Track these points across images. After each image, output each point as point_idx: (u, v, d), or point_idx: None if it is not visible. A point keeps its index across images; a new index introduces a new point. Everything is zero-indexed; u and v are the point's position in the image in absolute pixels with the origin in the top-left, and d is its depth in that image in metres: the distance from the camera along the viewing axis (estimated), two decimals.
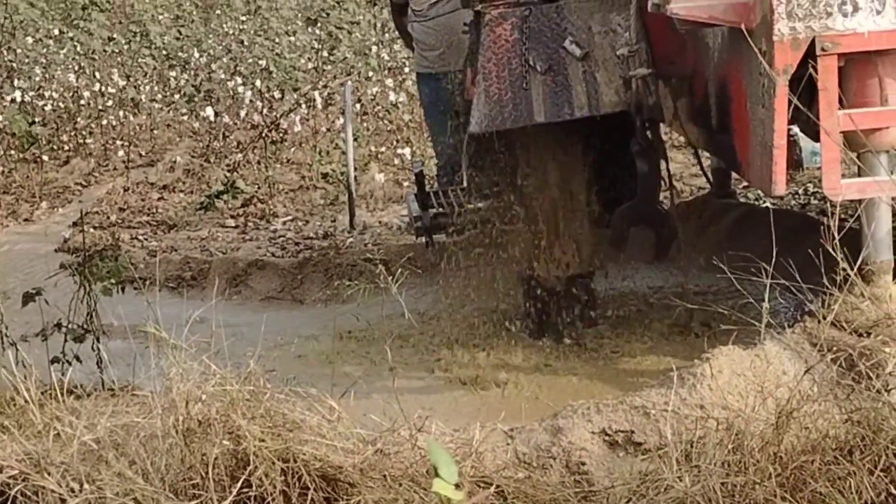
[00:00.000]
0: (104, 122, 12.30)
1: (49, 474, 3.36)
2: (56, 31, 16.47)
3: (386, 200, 9.30)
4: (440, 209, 6.73)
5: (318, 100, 12.43)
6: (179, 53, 15.54)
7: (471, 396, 5.13)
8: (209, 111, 11.99)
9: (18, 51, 14.89)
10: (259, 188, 9.85)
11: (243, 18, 17.83)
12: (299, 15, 17.55)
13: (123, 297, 5.40)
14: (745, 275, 3.97)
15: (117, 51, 15.59)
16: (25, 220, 9.53)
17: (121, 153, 11.29)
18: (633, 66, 5.02)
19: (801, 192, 7.93)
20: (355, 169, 9.02)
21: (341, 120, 10.41)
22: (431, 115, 7.87)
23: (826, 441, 3.31)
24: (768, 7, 4.06)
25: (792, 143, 5.57)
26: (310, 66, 14.40)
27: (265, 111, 12.19)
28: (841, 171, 4.21)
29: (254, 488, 3.34)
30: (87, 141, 11.81)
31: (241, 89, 12.88)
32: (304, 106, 12.24)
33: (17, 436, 3.55)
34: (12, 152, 11.16)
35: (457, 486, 2.34)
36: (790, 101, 3.98)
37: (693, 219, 6.71)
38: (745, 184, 7.20)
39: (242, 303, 6.93)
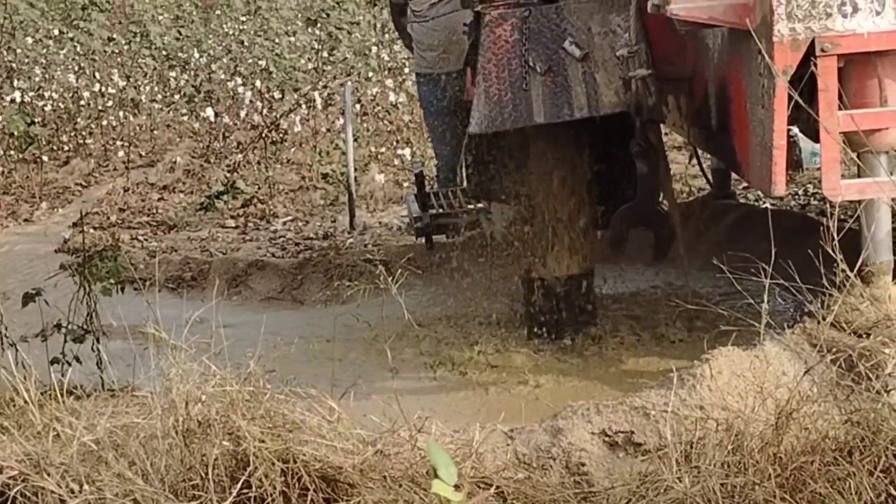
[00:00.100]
0: (104, 122, 12.31)
1: (49, 475, 3.36)
2: (56, 32, 16.47)
3: (386, 201, 9.30)
4: (440, 210, 6.74)
5: (318, 100, 12.44)
6: (179, 54, 15.54)
7: (471, 397, 5.12)
8: (209, 111, 11.99)
9: (18, 51, 14.89)
10: (259, 189, 9.85)
11: (243, 19, 17.83)
12: (299, 15, 17.55)
13: (123, 297, 5.40)
14: (744, 275, 3.97)
15: (117, 51, 15.59)
16: (25, 220, 9.53)
17: (121, 154, 11.30)
18: (633, 67, 5.02)
19: (800, 192, 7.93)
20: (355, 169, 9.02)
21: (341, 120, 10.41)
22: (431, 115, 7.88)
23: (826, 442, 3.31)
24: (768, 8, 4.06)
25: (792, 144, 5.57)
26: (310, 66, 14.40)
27: (265, 111, 12.19)
28: (840, 171, 4.21)
29: (253, 489, 3.34)
30: (87, 141, 11.82)
31: (241, 90, 12.89)
32: (304, 106, 12.25)
33: (16, 436, 3.55)
34: (12, 153, 11.16)
35: (456, 486, 2.34)
36: (790, 102, 3.98)
37: (693, 219, 6.71)
38: (745, 184, 7.20)
39: (242, 303, 6.93)
